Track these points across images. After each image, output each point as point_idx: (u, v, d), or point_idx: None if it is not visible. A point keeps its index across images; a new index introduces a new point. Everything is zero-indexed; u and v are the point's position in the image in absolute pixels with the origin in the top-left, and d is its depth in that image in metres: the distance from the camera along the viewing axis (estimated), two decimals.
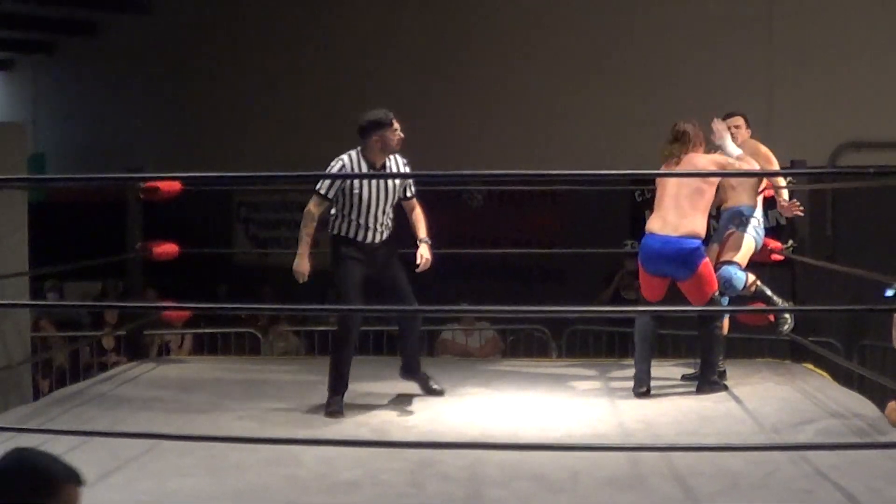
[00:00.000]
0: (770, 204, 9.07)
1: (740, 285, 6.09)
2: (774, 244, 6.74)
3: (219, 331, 8.92)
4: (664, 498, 4.16)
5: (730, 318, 6.45)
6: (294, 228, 6.30)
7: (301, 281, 5.51)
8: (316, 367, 6.44)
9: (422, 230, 5.77)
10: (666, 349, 8.51)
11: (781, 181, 6.45)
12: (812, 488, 4.20)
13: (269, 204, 13.04)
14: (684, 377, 6.46)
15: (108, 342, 9.31)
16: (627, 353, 8.43)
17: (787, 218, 6.91)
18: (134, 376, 6.72)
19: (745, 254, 6.24)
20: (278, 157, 11.52)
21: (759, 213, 6.34)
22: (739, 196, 6.34)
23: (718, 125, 6.15)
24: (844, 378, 6.88)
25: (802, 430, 5.10)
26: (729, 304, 6.23)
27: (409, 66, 12.23)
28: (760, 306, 6.23)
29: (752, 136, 6.47)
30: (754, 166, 6.20)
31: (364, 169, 5.60)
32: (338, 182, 5.58)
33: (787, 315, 6.23)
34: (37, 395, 7.21)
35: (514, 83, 11.37)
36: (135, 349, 7.38)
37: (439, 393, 5.93)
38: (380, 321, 8.33)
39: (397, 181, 5.64)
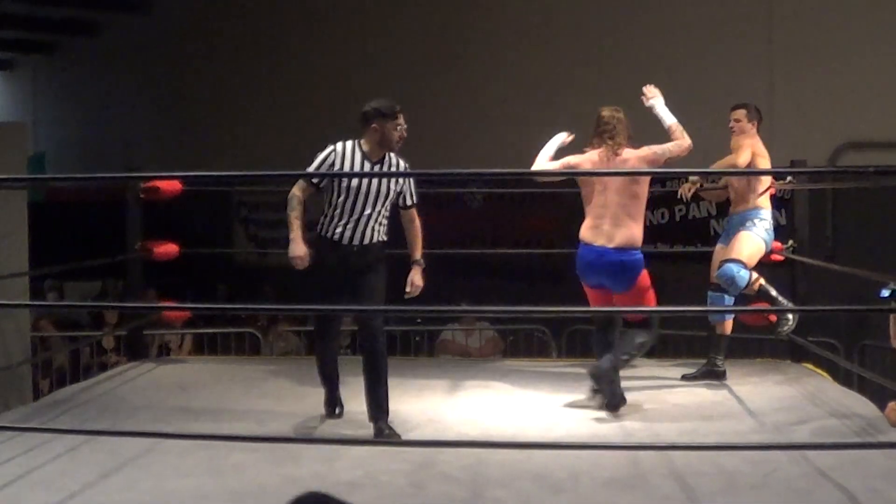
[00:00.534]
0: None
1: (742, 283, 6.04)
2: (774, 244, 6.73)
3: (219, 331, 8.92)
4: (664, 498, 4.16)
5: (733, 317, 6.45)
6: None
7: (300, 266, 5.10)
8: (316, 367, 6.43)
9: (417, 249, 5.35)
10: (666, 349, 8.52)
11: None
12: (812, 488, 4.20)
13: (269, 204, 13.03)
14: (684, 377, 6.46)
15: (108, 342, 9.31)
16: None
17: (787, 218, 6.90)
18: (134, 376, 6.72)
19: (751, 253, 6.19)
20: (279, 157, 11.50)
21: (767, 213, 6.32)
22: (746, 198, 6.33)
23: (649, 88, 5.92)
24: (844, 378, 6.89)
25: (802, 430, 5.10)
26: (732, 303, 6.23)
27: (411, 66, 12.23)
28: (763, 306, 6.22)
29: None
30: (743, 149, 6.16)
31: (358, 160, 5.19)
32: (326, 168, 5.18)
33: (788, 316, 6.21)
34: (37, 395, 7.21)
35: (514, 83, 11.37)
36: (135, 349, 7.38)
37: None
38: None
39: (393, 182, 5.22)
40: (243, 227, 13.92)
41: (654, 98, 5.85)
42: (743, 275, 6.04)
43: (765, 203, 6.33)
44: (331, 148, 5.23)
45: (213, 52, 13.97)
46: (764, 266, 6.84)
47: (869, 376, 6.24)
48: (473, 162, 10.64)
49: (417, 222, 5.38)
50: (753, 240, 6.22)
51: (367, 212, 5.16)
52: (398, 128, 5.20)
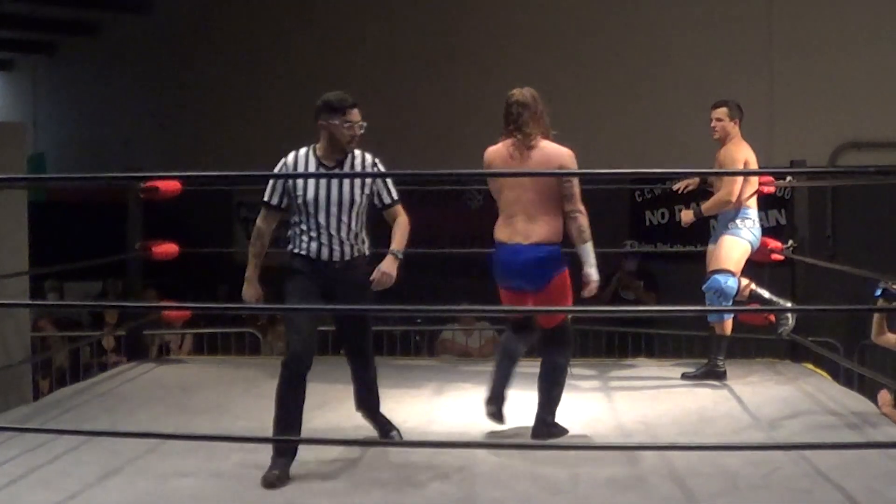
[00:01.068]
0: (769, 203, 9.10)
1: (732, 292, 6.03)
2: (774, 244, 6.73)
3: (219, 331, 8.92)
4: (664, 498, 4.16)
5: (732, 317, 6.45)
6: None
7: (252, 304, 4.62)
8: (315, 367, 6.42)
9: (396, 240, 4.67)
10: (666, 349, 8.52)
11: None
12: (812, 488, 4.20)
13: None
14: (684, 376, 6.46)
15: (108, 342, 9.31)
16: (627, 352, 8.45)
17: (787, 218, 6.90)
18: (134, 376, 6.72)
19: (738, 259, 6.18)
20: (279, 157, 11.50)
21: (752, 212, 6.31)
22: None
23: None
24: (844, 378, 6.90)
25: (802, 431, 5.10)
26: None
27: (410, 66, 12.23)
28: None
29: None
30: (737, 164, 6.15)
31: (312, 167, 4.56)
32: (280, 186, 4.57)
33: (788, 315, 6.21)
34: (37, 395, 7.20)
35: (513, 82, 11.35)
36: (135, 349, 7.38)
37: (396, 438, 4.93)
38: (378, 320, 8.32)
39: (357, 186, 4.55)
40: (243, 227, 13.91)
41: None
42: (731, 284, 6.03)
43: (750, 202, 6.31)
44: (280, 163, 4.65)
45: (213, 52, 13.98)
46: (764, 266, 6.85)
47: (869, 376, 6.24)
48: (472, 162, 10.63)
49: (404, 219, 4.72)
50: (738, 244, 6.20)
51: (337, 225, 4.55)
52: (347, 125, 4.54)
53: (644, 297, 9.59)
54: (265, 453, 4.51)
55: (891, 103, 9.47)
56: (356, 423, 5.17)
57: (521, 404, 5.87)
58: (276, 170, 4.61)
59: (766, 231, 6.54)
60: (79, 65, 16.07)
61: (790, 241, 6.78)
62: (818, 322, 7.53)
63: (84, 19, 15.12)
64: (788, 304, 6.25)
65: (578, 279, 4.99)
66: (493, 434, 5.12)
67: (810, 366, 6.73)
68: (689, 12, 10.43)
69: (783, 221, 9.21)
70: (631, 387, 6.36)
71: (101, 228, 9.34)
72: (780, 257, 6.77)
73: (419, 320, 9.09)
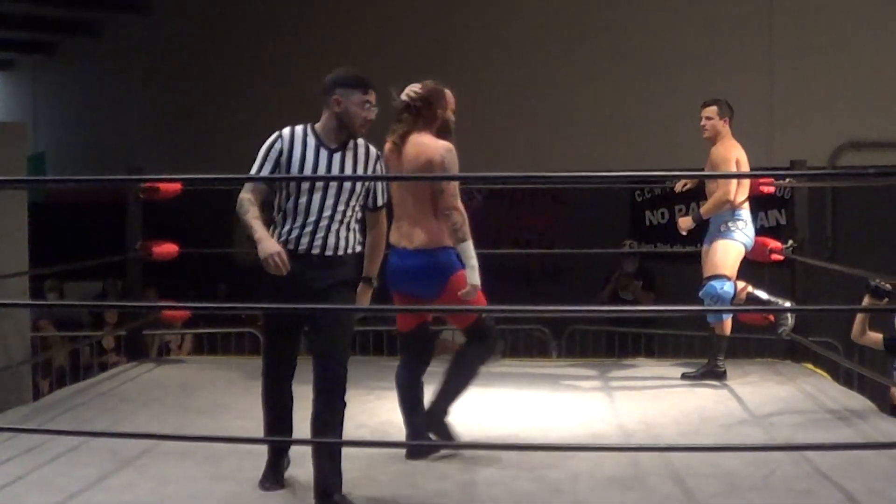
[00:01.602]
0: (769, 203, 9.10)
1: (728, 297, 6.04)
2: (774, 244, 6.73)
3: (219, 331, 8.91)
4: (664, 498, 4.16)
5: (732, 317, 6.45)
6: None
7: (281, 267, 3.92)
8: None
9: (373, 264, 4.38)
10: (666, 349, 8.52)
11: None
12: (812, 488, 4.20)
13: (269, 204, 13.02)
14: (684, 376, 6.46)
15: (108, 342, 9.31)
16: (627, 352, 8.46)
17: (787, 218, 6.90)
18: (134, 376, 6.72)
19: (732, 262, 6.19)
20: None
21: (745, 213, 6.31)
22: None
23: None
24: (844, 378, 6.89)
25: (802, 430, 5.10)
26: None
27: (410, 65, 12.19)
28: None
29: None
30: (729, 164, 6.15)
31: (312, 147, 4.10)
32: (272, 159, 4.12)
33: (787, 315, 6.21)
34: (37, 395, 7.21)
35: (513, 82, 11.36)
36: (135, 349, 7.38)
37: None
38: (378, 320, 8.33)
39: (360, 172, 4.14)
40: (243, 228, 13.90)
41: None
42: (728, 289, 6.04)
43: (742, 203, 6.32)
44: (276, 134, 4.18)
45: (213, 53, 13.96)
46: (764, 266, 6.85)
47: (869, 376, 6.24)
48: (473, 162, 10.64)
49: (383, 228, 4.40)
50: (732, 247, 6.21)
51: (328, 213, 4.08)
52: (367, 105, 4.11)
53: (642, 298, 9.59)
54: (265, 453, 4.51)
55: (891, 103, 9.47)
56: (356, 422, 5.17)
57: (521, 404, 5.88)
58: (272, 141, 4.14)
59: (766, 231, 6.56)
60: (79, 65, 16.05)
61: (790, 242, 6.78)
62: (818, 322, 7.53)
63: (84, 19, 15.10)
64: (788, 304, 6.26)
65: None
66: (493, 434, 5.12)
67: (810, 366, 6.73)
68: (690, 12, 10.43)
69: (783, 221, 9.21)
70: (631, 387, 6.36)
71: (101, 228, 9.34)
72: (780, 257, 6.78)
73: None
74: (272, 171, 4.12)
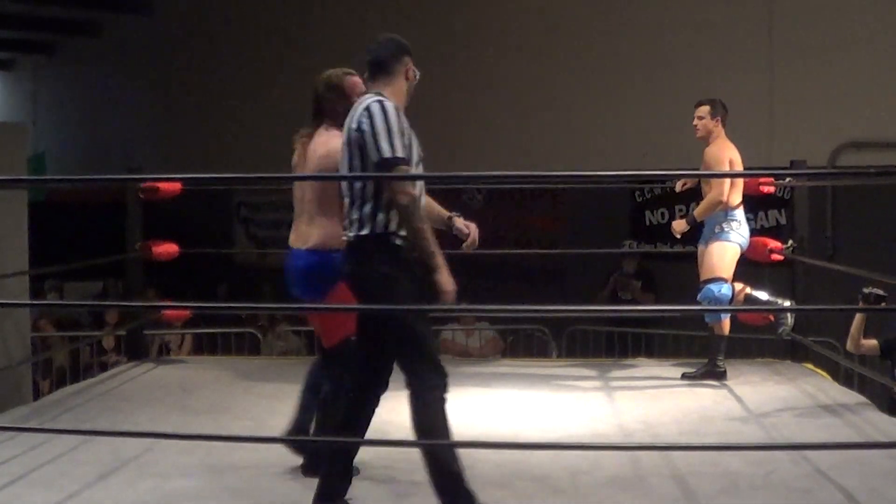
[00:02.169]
0: (769, 203, 9.10)
1: (726, 300, 6.04)
2: (774, 244, 6.73)
3: (219, 331, 8.92)
4: (664, 498, 4.16)
5: (730, 317, 6.45)
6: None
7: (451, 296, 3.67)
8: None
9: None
10: (666, 349, 8.52)
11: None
12: (812, 488, 4.20)
13: (269, 204, 13.03)
14: (684, 376, 6.46)
15: (108, 342, 9.31)
16: (627, 352, 8.45)
17: (787, 218, 6.90)
18: (134, 376, 6.72)
19: (729, 264, 6.20)
20: (278, 157, 11.49)
21: (739, 213, 6.31)
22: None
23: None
24: (844, 378, 6.89)
25: (802, 430, 5.10)
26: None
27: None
28: None
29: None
30: (723, 164, 6.15)
31: (405, 121, 3.81)
32: (407, 135, 3.74)
33: (786, 315, 6.21)
34: (37, 395, 7.21)
35: (514, 82, 11.36)
36: (135, 349, 7.38)
37: None
38: None
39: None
40: (243, 227, 13.91)
41: None
42: (725, 292, 6.05)
43: (737, 203, 6.32)
44: (390, 105, 3.74)
45: (213, 53, 13.97)
46: (763, 266, 6.85)
47: (869, 376, 6.24)
48: (473, 162, 10.64)
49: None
50: (728, 248, 6.21)
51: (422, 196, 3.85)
52: (415, 73, 4.04)
53: (641, 298, 9.59)
54: (265, 453, 4.51)
55: (891, 103, 9.46)
56: None
57: (521, 405, 5.88)
58: (395, 113, 3.74)
59: (766, 231, 6.55)
60: (79, 65, 16.06)
61: (790, 241, 6.78)
62: (818, 322, 7.53)
63: (84, 19, 15.11)
64: (787, 304, 6.26)
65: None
66: (493, 434, 5.12)
67: (810, 366, 6.73)
68: (690, 12, 10.43)
69: (783, 221, 9.21)
70: (631, 387, 6.36)
71: (101, 228, 9.35)
72: (780, 257, 6.78)
73: None
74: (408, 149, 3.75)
